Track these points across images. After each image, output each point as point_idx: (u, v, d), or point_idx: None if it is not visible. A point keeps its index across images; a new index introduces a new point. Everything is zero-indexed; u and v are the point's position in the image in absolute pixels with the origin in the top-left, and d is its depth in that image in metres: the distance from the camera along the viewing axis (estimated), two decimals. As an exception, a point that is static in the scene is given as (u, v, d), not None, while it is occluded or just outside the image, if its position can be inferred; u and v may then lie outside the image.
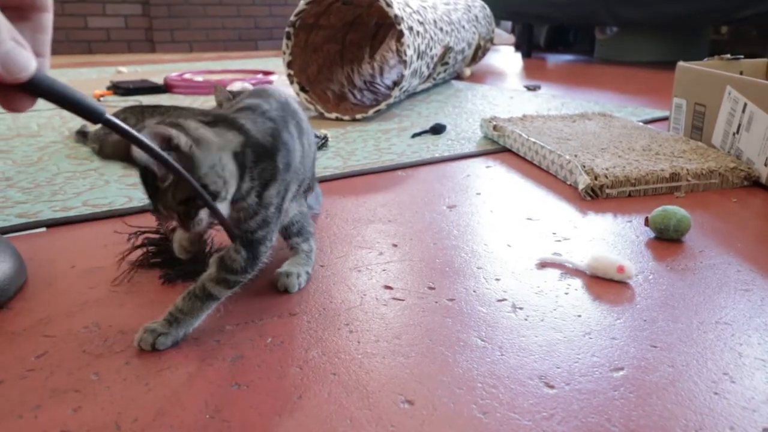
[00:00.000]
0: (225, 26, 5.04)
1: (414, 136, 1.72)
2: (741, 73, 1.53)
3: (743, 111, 1.27)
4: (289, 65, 2.03)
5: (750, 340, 0.70)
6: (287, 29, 1.99)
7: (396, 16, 1.85)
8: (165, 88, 2.65)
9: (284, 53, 2.02)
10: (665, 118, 1.92)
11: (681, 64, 1.55)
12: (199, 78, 2.81)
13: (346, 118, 1.97)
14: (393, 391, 0.61)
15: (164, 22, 4.81)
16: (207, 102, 2.30)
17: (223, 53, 4.90)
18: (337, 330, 0.72)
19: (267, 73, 3.00)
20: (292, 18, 1.98)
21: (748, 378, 0.63)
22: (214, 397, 0.60)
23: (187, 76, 2.86)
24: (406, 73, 1.91)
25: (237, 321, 0.74)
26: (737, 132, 1.30)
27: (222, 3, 4.98)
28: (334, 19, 2.17)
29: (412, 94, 2.47)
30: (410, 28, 1.91)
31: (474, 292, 0.82)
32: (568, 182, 1.26)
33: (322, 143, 1.56)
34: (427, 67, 2.19)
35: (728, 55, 1.58)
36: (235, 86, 2.22)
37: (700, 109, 1.45)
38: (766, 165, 1.21)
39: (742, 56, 1.59)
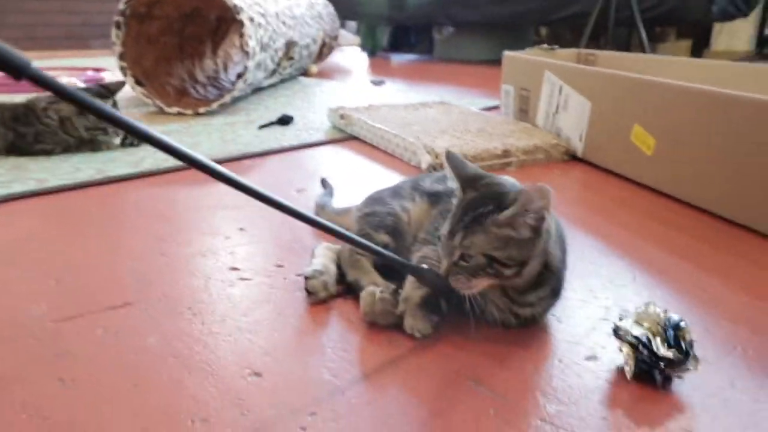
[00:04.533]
0: (48, 23, 4.56)
1: (261, 127, 1.69)
2: (558, 62, 1.69)
3: (560, 93, 1.41)
4: (121, 57, 1.88)
5: (573, 286, 0.77)
6: (116, 18, 1.85)
7: (235, 5, 1.79)
8: (-27, 86, 2.34)
9: (114, 44, 1.87)
10: (497, 107, 2.07)
11: (507, 53, 1.68)
12: (16, 75, 2.51)
13: (189, 112, 1.87)
14: (240, 365, 0.58)
15: (-29, 17, 4.24)
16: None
17: (48, 52, 4.43)
18: (179, 314, 0.68)
19: (98, 69, 2.76)
20: (121, 6, 1.84)
21: (572, 317, 0.69)
22: (33, 396, 0.53)
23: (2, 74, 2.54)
24: (250, 64, 1.87)
25: (61, 316, 0.67)
26: (556, 112, 1.44)
27: (42, -3, 4.50)
28: (170, 9, 2.06)
29: (258, 89, 2.42)
30: (251, 19, 1.87)
31: (323, 266, 0.81)
32: (412, 163, 1.31)
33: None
34: (272, 60, 2.16)
35: (545, 45, 1.74)
36: (62, 81, 2.01)
37: (524, 93, 1.59)
38: (581, 140, 1.35)
39: (556, 46, 1.77)
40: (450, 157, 0.66)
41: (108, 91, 1.38)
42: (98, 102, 0.44)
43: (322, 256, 0.76)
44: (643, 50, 2.78)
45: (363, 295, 0.66)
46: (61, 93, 0.42)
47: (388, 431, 0.50)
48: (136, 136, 0.46)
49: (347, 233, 0.60)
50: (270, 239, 0.91)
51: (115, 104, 1.43)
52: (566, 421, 0.51)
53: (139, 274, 0.78)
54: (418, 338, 0.63)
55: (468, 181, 0.63)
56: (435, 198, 0.78)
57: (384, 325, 0.65)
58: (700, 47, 3.82)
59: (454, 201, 0.64)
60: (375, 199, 0.82)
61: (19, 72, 0.39)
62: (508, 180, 0.65)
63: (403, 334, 0.64)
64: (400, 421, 0.51)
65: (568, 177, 1.27)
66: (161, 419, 0.50)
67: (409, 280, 0.66)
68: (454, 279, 0.60)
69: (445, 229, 0.62)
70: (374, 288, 0.66)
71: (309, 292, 0.71)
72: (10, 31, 4.41)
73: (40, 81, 0.40)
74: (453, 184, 0.65)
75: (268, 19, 2.06)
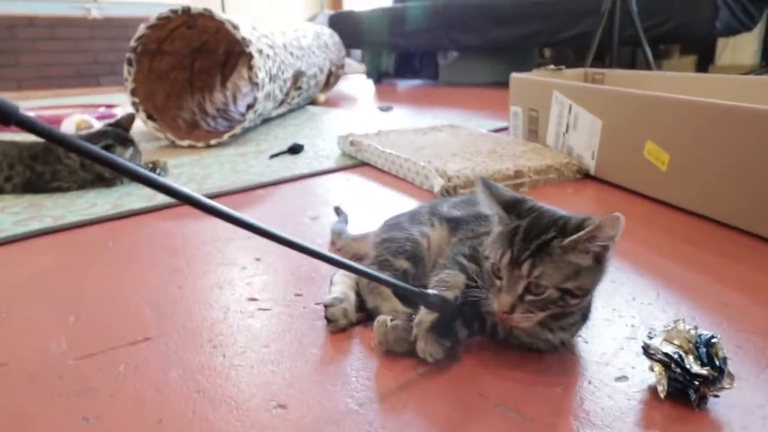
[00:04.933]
0: (59, 62, 4.65)
1: (272, 157, 1.70)
2: (565, 82, 1.70)
3: (569, 112, 1.41)
4: (133, 93, 1.91)
5: (596, 305, 0.75)
6: (128, 55, 1.88)
7: (244, 38, 1.82)
8: (-12, 126, 2.38)
9: (126, 80, 1.90)
10: (506, 128, 2.08)
11: (514, 75, 1.69)
12: (31, 114, 2.56)
13: (200, 144, 1.89)
14: (264, 398, 0.57)
15: (-15, 59, 4.34)
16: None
17: (59, 90, 4.51)
18: (199, 347, 0.67)
19: (110, 106, 2.81)
20: (132, 43, 1.87)
21: (599, 337, 0.68)
22: (56, 436, 0.52)
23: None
24: (260, 95, 1.89)
25: (82, 352, 0.66)
26: (566, 131, 1.44)
27: (54, 38, 4.59)
28: (179, 45, 2.09)
29: (267, 119, 2.44)
30: (260, 51, 1.90)
31: (342, 294, 0.81)
32: (425, 186, 1.31)
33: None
34: (281, 90, 2.18)
35: (552, 66, 1.75)
36: (73, 119, 2.04)
37: (533, 114, 1.59)
38: (593, 158, 1.35)
39: (563, 67, 1.78)
40: (485, 183, 0.64)
41: (124, 128, 1.40)
42: (87, 144, 0.43)
43: (341, 283, 0.75)
44: (648, 68, 2.78)
45: (376, 324, 0.65)
46: (49, 137, 0.41)
47: (419, 461, 0.49)
48: (125, 175, 0.45)
49: (347, 262, 0.58)
50: (287, 268, 0.90)
51: (134, 145, 1.42)
52: (601, 445, 0.50)
53: (157, 307, 0.78)
54: (431, 362, 0.62)
55: (511, 206, 0.62)
56: (454, 224, 0.77)
57: (400, 352, 0.64)
58: (705, 63, 3.82)
59: (499, 228, 0.62)
60: (393, 225, 0.81)
61: (7, 118, 0.38)
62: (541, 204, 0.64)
63: (423, 360, 0.63)
64: (429, 451, 0.50)
65: (581, 195, 1.27)
66: (187, 455, 0.50)
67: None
68: (521, 316, 0.58)
69: (501, 257, 0.59)
70: (385, 317, 0.65)
71: (329, 320, 0.70)
72: (23, 71, 4.50)
73: (28, 126, 0.40)
74: (491, 210, 0.64)
75: (276, 50, 2.09)
